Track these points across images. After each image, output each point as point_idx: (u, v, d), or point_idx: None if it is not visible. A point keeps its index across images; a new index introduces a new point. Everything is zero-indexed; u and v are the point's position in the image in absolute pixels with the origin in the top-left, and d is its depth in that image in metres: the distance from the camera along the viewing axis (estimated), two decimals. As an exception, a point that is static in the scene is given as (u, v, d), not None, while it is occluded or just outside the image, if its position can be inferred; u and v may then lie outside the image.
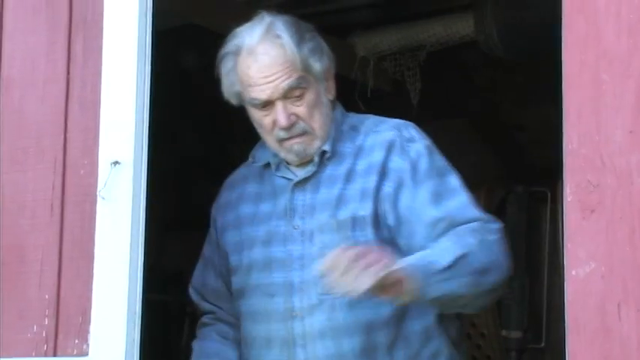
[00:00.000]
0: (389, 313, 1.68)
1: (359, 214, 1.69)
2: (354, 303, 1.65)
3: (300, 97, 1.70)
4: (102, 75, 1.86)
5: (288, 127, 1.70)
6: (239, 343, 1.83)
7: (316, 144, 1.73)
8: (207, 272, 1.89)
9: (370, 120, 1.82)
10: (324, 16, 2.97)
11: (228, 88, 1.77)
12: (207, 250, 1.92)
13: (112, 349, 1.79)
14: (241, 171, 1.91)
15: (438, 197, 1.68)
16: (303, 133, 1.72)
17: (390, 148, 1.72)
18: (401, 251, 1.66)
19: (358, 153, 1.76)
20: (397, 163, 1.71)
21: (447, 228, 1.64)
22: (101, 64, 1.87)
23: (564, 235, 1.20)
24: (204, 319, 1.90)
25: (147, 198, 1.88)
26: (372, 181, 1.70)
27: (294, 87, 1.68)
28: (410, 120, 1.83)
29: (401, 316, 1.70)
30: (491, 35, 2.99)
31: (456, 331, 1.79)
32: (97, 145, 1.88)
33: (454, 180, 1.71)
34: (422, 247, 1.62)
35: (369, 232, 1.69)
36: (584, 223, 1.16)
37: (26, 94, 1.99)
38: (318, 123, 1.72)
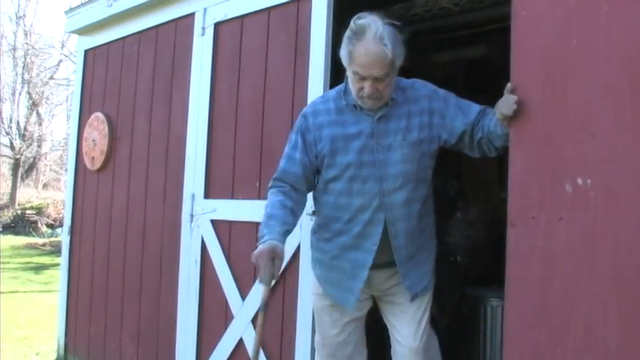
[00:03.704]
0: (426, 192, 2.34)
1: (421, 137, 2.28)
2: (417, 187, 2.28)
3: (382, 80, 2.17)
4: (309, 75, 2.98)
5: (370, 94, 2.20)
6: (294, 211, 2.27)
7: (381, 103, 2.24)
8: (291, 164, 2.34)
9: (404, 81, 2.34)
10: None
11: (344, 51, 2.19)
12: (291, 151, 2.36)
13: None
14: (319, 106, 2.36)
15: (461, 106, 2.30)
16: (376, 97, 2.22)
17: (429, 98, 2.32)
18: (445, 141, 2.30)
19: (409, 102, 2.29)
20: (436, 103, 2.32)
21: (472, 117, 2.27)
22: (309, 71, 2.98)
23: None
24: (274, 188, 2.33)
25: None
26: (425, 119, 2.29)
27: (381, 77, 2.16)
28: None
29: (428, 195, 2.35)
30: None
31: None
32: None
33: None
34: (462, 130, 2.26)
35: (425, 147, 2.29)
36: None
37: (272, 95, 3.15)
38: (386, 92, 2.23)
